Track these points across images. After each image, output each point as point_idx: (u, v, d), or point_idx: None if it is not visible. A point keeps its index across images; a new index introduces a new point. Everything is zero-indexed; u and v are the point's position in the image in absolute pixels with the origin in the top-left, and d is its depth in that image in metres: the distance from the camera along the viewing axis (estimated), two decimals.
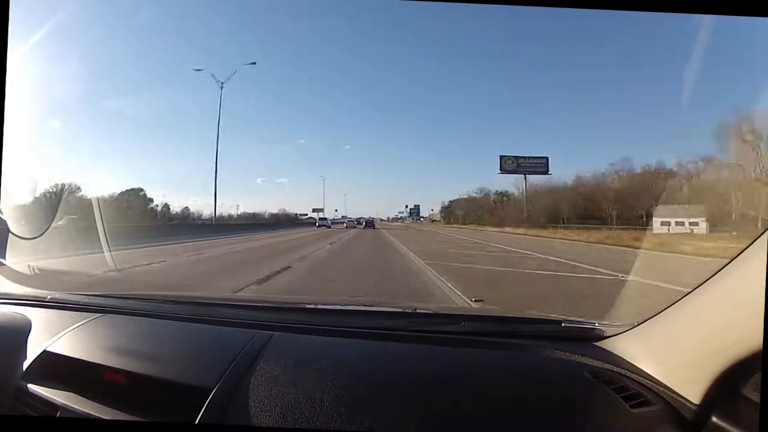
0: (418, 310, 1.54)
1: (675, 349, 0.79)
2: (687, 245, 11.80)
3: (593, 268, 7.95)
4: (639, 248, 12.95)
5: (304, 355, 0.92)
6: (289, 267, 7.57)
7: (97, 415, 0.82)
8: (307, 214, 43.53)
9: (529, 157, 33.87)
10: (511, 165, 33.59)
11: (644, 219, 26.36)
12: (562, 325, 1.07)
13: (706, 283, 0.72)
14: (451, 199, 46.23)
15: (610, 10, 0.78)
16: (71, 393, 0.88)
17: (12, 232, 3.85)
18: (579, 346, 0.95)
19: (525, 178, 35.23)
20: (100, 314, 1.16)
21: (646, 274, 6.41)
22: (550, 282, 6.36)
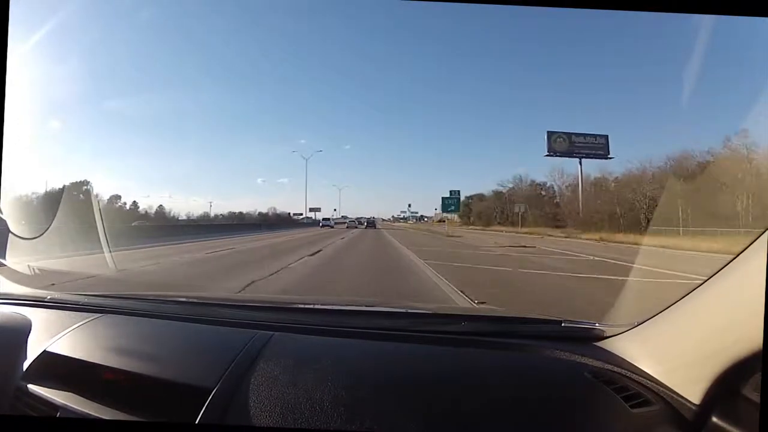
0: (418, 310, 1.54)
1: (675, 349, 0.79)
2: None
3: None
4: None
5: (304, 355, 0.92)
6: None
7: (97, 415, 0.82)
8: (302, 214, 41.67)
9: (585, 135, 24.80)
10: (562, 144, 24.12)
11: None
12: (562, 325, 1.07)
13: (706, 283, 0.72)
14: (471, 194, 40.28)
15: (610, 10, 0.78)
16: (71, 393, 0.88)
17: (12, 232, 3.85)
18: (579, 346, 0.95)
19: (580, 164, 25.18)
20: (100, 314, 1.16)
21: None
22: None
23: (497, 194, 36.65)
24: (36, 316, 1.15)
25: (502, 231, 27.32)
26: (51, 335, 1.03)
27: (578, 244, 16.32)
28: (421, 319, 1.31)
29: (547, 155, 24.96)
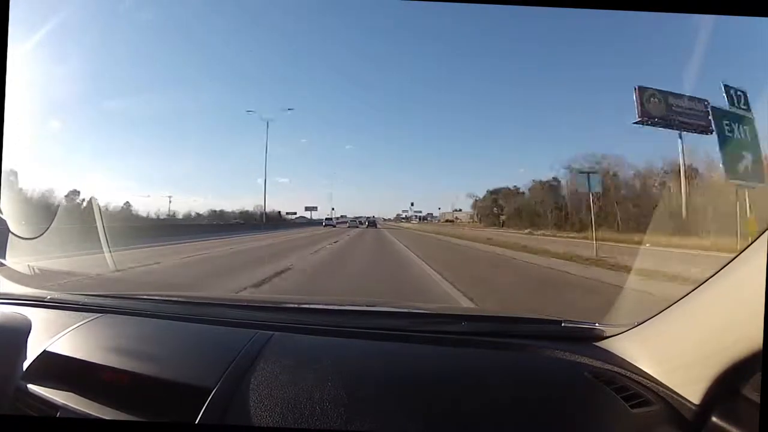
0: (418, 310, 1.54)
1: (675, 349, 0.79)
2: None
3: None
4: None
5: (304, 355, 0.92)
6: None
7: (97, 415, 0.82)
8: (296, 213, 37.66)
9: (683, 96, 15.40)
10: (657, 107, 15.88)
11: None
12: (562, 325, 1.07)
13: (706, 283, 0.72)
14: (495, 188, 32.69)
15: (610, 10, 0.78)
16: (71, 393, 0.88)
17: (12, 232, 3.85)
18: (579, 346, 0.95)
19: (681, 139, 16.46)
20: (100, 314, 1.16)
21: None
22: None
23: (547, 186, 26.41)
24: (36, 316, 1.15)
25: (570, 238, 16.58)
26: (51, 335, 1.03)
27: None
28: (421, 319, 1.31)
29: (637, 122, 15.80)
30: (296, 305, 1.56)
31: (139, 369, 0.89)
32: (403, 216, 43.74)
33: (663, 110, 16.47)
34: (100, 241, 7.34)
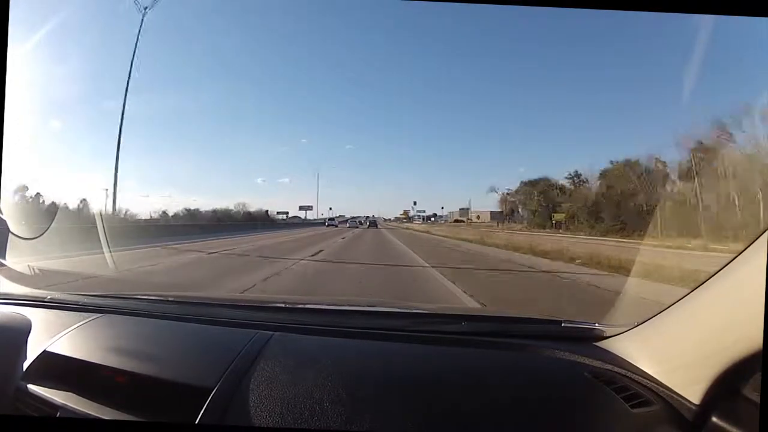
0: (418, 311, 1.54)
1: (675, 349, 0.79)
2: None
3: None
4: None
5: (304, 355, 0.92)
6: None
7: (97, 415, 0.82)
8: (288, 212, 35.27)
9: None
10: None
11: None
12: (562, 325, 1.07)
13: (706, 283, 0.72)
14: (533, 179, 28.23)
15: (610, 10, 0.78)
16: (71, 393, 0.88)
17: (12, 232, 3.86)
18: (579, 346, 0.95)
19: None
20: (100, 314, 1.16)
21: None
22: None
23: (643, 170, 17.95)
24: (36, 316, 1.15)
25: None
26: (51, 335, 1.03)
27: None
28: (421, 319, 1.31)
29: None
30: (296, 305, 1.56)
31: (139, 369, 0.89)
32: (405, 217, 40.32)
33: None
34: (101, 240, 7.35)
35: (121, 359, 0.93)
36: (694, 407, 0.70)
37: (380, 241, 15.97)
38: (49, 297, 1.34)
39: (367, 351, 0.98)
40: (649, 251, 9.91)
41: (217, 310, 1.30)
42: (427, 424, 0.72)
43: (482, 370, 0.89)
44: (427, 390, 0.81)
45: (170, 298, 1.45)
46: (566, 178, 27.59)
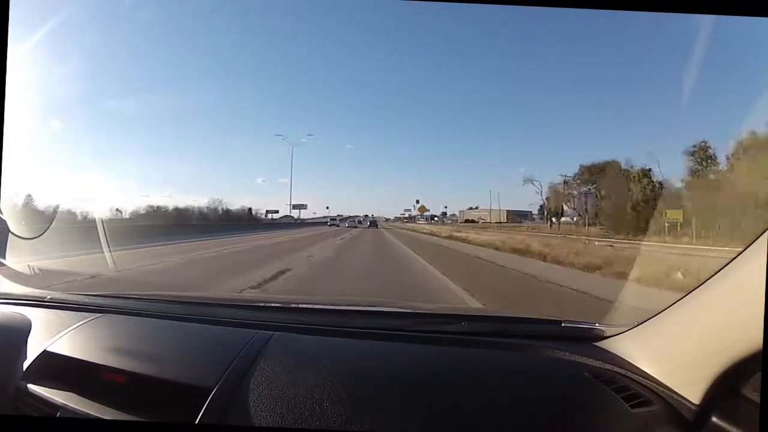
0: (418, 310, 1.54)
1: (675, 349, 0.79)
2: None
3: None
4: None
5: (304, 355, 0.92)
6: None
7: (97, 415, 0.82)
8: (278, 211, 32.08)
9: None
10: None
11: None
12: (562, 325, 1.07)
13: (706, 283, 0.72)
14: (592, 164, 20.26)
15: (610, 10, 0.78)
16: (71, 393, 0.88)
17: (12, 232, 3.85)
18: (579, 346, 0.95)
19: None
20: (100, 314, 1.16)
21: None
22: None
23: None
24: (36, 316, 1.15)
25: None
26: (51, 335, 1.03)
27: None
28: (422, 319, 1.31)
29: None
30: (296, 305, 1.56)
31: (139, 369, 0.89)
32: (406, 216, 36.86)
33: None
34: (101, 240, 7.34)
35: (121, 359, 0.93)
36: (694, 407, 0.70)
37: (383, 256, 10.36)
38: (49, 297, 1.34)
39: (368, 351, 0.98)
40: None
41: (217, 310, 1.30)
42: (427, 424, 0.72)
43: (482, 370, 0.89)
44: (428, 390, 0.81)
45: (170, 298, 1.45)
46: (688, 153, 16.38)
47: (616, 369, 0.84)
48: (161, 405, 0.82)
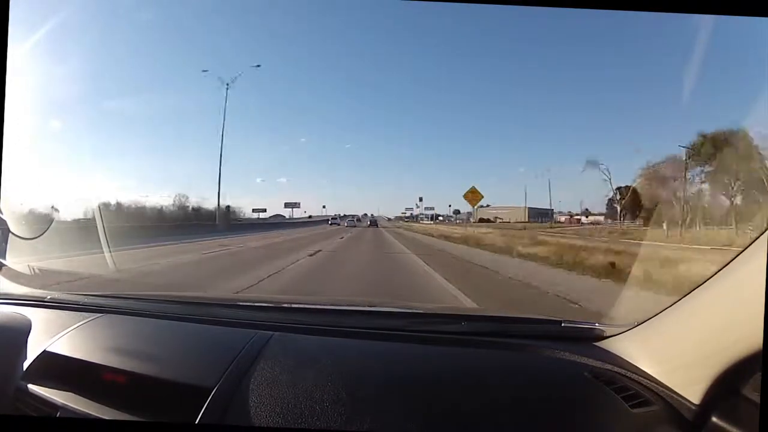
0: (418, 310, 1.54)
1: (675, 349, 0.79)
2: None
3: None
4: None
5: (304, 355, 0.92)
6: None
7: (97, 415, 0.82)
8: (266, 210, 29.62)
9: None
10: None
11: None
12: (562, 325, 1.07)
13: (706, 283, 0.72)
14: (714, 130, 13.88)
15: (610, 10, 0.78)
16: (71, 393, 0.88)
17: (12, 232, 3.85)
18: (579, 346, 0.95)
19: None
20: (100, 314, 1.16)
21: None
22: None
23: None
24: (36, 316, 1.15)
25: None
26: (51, 335, 1.03)
27: None
28: (421, 319, 1.31)
29: None
30: (296, 305, 1.56)
31: (139, 369, 0.89)
32: (408, 215, 34.27)
33: None
34: (101, 240, 7.34)
35: (121, 359, 0.93)
36: (694, 407, 0.70)
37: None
38: (49, 297, 1.34)
39: (367, 351, 0.98)
40: None
41: (217, 310, 1.30)
42: (427, 424, 0.72)
43: (482, 370, 0.89)
44: (427, 390, 0.81)
45: (170, 298, 1.45)
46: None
47: (616, 369, 0.84)
48: (161, 405, 0.82)
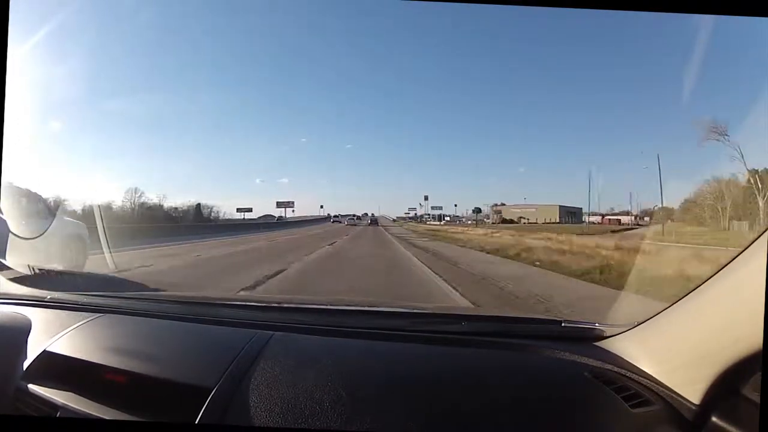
0: (418, 310, 1.54)
1: (675, 349, 0.79)
2: None
3: None
4: None
5: (304, 355, 0.92)
6: None
7: (97, 415, 0.82)
8: (251, 209, 26.46)
9: None
10: None
11: None
12: (562, 325, 1.07)
13: (706, 283, 0.72)
14: None
15: (610, 10, 0.78)
16: (71, 393, 0.88)
17: (12, 232, 3.85)
18: (579, 346, 0.95)
19: None
20: (100, 314, 1.16)
21: None
22: None
23: None
24: (36, 316, 1.15)
25: None
26: (51, 335, 1.03)
27: None
28: (421, 319, 1.31)
29: None
30: (296, 305, 1.56)
31: (139, 369, 0.89)
32: (411, 215, 30.50)
33: None
34: (101, 240, 7.33)
35: (121, 359, 0.93)
36: (694, 407, 0.70)
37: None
38: (49, 297, 1.34)
39: (368, 351, 0.98)
40: None
41: (216, 310, 1.30)
42: (427, 423, 0.72)
43: (482, 370, 0.89)
44: (428, 390, 0.81)
45: (170, 298, 1.45)
46: None
47: (616, 369, 0.84)
48: (161, 405, 0.82)
